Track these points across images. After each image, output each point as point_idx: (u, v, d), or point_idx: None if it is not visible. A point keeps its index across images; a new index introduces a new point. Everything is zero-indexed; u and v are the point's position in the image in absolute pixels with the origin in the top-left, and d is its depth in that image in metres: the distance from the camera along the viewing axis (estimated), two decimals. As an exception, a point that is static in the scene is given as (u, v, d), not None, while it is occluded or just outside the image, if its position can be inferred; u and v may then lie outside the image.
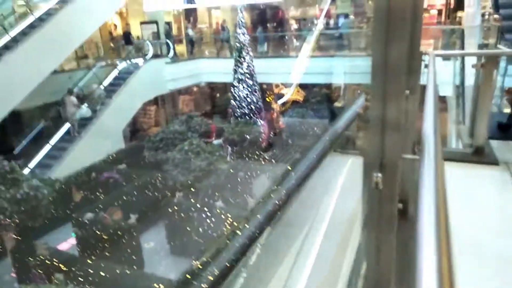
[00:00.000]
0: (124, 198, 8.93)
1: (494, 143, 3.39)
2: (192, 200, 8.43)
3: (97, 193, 9.69)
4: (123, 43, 16.48)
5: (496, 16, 5.55)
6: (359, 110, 2.13)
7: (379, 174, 1.03)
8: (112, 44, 17.61)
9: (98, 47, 16.67)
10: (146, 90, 13.72)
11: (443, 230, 0.54)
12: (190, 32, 17.55)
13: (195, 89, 18.95)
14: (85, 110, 11.76)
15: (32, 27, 11.00)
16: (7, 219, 7.40)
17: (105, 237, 7.82)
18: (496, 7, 6.27)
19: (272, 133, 12.95)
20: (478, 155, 3.16)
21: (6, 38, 10.56)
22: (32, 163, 10.57)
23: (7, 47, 10.35)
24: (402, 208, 1.47)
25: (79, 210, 8.53)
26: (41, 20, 11.28)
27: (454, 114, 6.68)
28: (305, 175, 2.12)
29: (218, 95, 19.25)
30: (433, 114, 1.20)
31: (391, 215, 1.11)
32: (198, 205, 8.08)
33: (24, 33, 10.75)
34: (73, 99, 11.67)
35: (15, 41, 10.52)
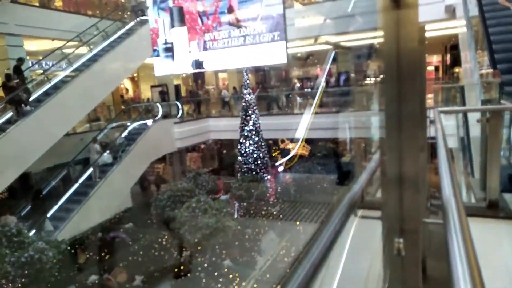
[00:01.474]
0: (130, 258, 8.70)
1: (508, 196, 3.35)
2: (199, 259, 8.19)
3: (103, 254, 9.48)
4: (133, 105, 17.16)
5: (494, 71, 5.78)
6: (374, 166, 2.16)
7: (401, 240, 1.03)
8: (123, 107, 18.30)
9: (110, 109, 17.33)
10: (154, 149, 13.98)
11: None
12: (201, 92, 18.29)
13: (202, 146, 19.26)
14: (106, 156, 12.42)
15: (47, 94, 11.55)
16: (10, 284, 7.18)
17: (109, 302, 7.51)
18: (493, 62, 6.54)
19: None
20: (493, 209, 3.11)
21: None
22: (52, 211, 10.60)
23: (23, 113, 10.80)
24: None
25: (83, 272, 8.29)
26: (56, 87, 11.89)
27: (462, 165, 6.66)
28: (318, 236, 2.09)
29: (225, 151, 19.50)
30: (449, 174, 1.22)
31: (416, 281, 1.09)
32: (205, 265, 7.82)
33: (39, 100, 11.23)
34: (97, 146, 12.42)
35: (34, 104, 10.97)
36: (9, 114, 10.74)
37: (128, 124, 14.42)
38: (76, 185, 11.51)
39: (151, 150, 13.74)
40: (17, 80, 10.74)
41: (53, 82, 12.16)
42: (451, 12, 11.46)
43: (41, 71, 13.21)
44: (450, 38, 15.16)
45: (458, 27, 10.89)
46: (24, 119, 10.39)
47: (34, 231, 9.43)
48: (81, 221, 10.32)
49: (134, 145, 13.03)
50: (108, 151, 12.60)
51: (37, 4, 14.45)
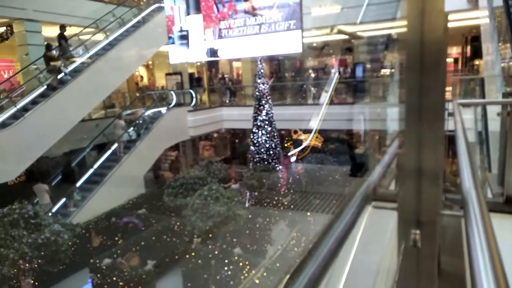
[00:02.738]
0: (142, 243, 8.87)
1: (526, 193, 3.26)
2: (210, 246, 8.29)
3: (116, 238, 9.68)
4: (148, 92, 17.27)
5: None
6: (390, 159, 2.13)
7: (418, 231, 1.01)
8: (138, 94, 18.45)
9: (124, 97, 17.50)
10: (168, 137, 14.09)
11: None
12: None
13: (215, 135, 19.34)
14: (131, 132, 13.05)
15: (63, 80, 11.71)
16: (27, 264, 7.41)
17: (121, 283, 7.68)
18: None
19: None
20: (511, 205, 3.05)
21: (41, 90, 11.24)
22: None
23: (43, 95, 11.02)
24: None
25: (97, 255, 8.49)
26: (74, 71, 12.04)
27: (479, 160, 6.52)
28: (333, 226, 2.08)
29: (237, 141, 19.54)
30: (470, 167, 1.18)
31: (431, 273, 1.07)
32: (216, 252, 7.91)
33: (54, 88, 11.40)
34: (122, 122, 12.93)
35: (50, 90, 11.19)
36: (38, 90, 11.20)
37: (143, 111, 14.55)
38: (102, 158, 11.98)
39: (164, 138, 13.86)
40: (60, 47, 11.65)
41: (70, 68, 12.32)
42: (473, 2, 11.09)
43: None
44: (471, 29, 14.72)
45: (481, 17, 10.55)
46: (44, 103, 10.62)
47: (64, 199, 10.35)
48: (96, 206, 10.54)
49: (148, 131, 13.16)
50: (132, 128, 13.14)
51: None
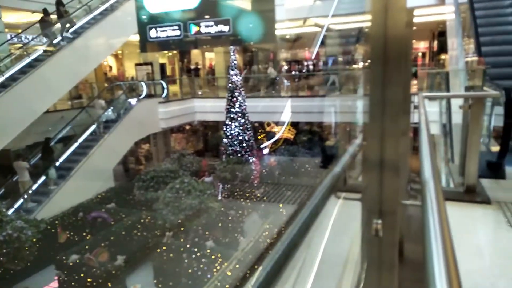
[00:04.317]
0: (112, 238, 8.65)
1: (485, 182, 3.42)
2: (181, 240, 8.21)
3: (84, 234, 9.39)
4: (117, 83, 16.75)
5: (479, 58, 5.82)
6: (356, 151, 2.15)
7: (379, 221, 1.02)
8: (106, 85, 17.85)
9: (92, 87, 16.88)
10: (138, 129, 13.75)
11: (455, 280, 0.52)
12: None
13: (187, 127, 19.08)
14: (110, 112, 13.09)
15: (26, 69, 11.13)
16: (-13, 262, 7.07)
17: (89, 280, 7.48)
18: (479, 48, 6.59)
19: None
20: (470, 194, 3.18)
21: (1, 79, 10.66)
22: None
23: (4, 85, 10.44)
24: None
25: (63, 251, 8.21)
26: (37, 61, 11.46)
27: (443, 151, 6.79)
28: (298, 216, 2.09)
29: (210, 133, 19.39)
30: (429, 158, 1.21)
31: (392, 262, 1.08)
32: (188, 245, 7.85)
33: (13, 78, 10.88)
34: (102, 102, 13.08)
35: (12, 80, 10.62)
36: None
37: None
38: (82, 138, 11.95)
39: (134, 130, 13.51)
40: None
41: (32, 56, 11.72)
42: (440, -2, 11.45)
43: (20, 45, 12.70)
44: (438, 24, 15.21)
45: (447, 13, 10.91)
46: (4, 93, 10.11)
47: (44, 177, 10.46)
48: (62, 200, 10.17)
49: (118, 123, 12.79)
50: (112, 108, 13.15)
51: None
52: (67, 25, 12.59)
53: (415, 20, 16.05)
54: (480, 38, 6.65)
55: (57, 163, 11.15)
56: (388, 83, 1.04)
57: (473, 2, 8.33)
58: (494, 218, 2.87)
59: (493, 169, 3.50)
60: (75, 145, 11.80)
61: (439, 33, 16.31)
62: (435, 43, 17.53)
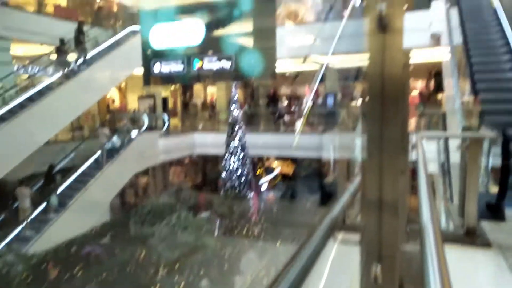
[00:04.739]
0: (105, 274, 8.37)
1: (485, 224, 3.37)
2: (176, 277, 7.94)
3: (76, 270, 9.10)
4: (119, 116, 16.96)
5: (474, 98, 5.93)
6: (355, 190, 2.13)
7: (378, 265, 0.98)
8: (108, 117, 18.05)
9: (94, 119, 17.06)
10: (138, 161, 13.73)
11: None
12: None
13: (186, 160, 19.05)
14: (115, 140, 13.22)
15: (31, 99, 11.31)
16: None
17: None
18: (474, 89, 6.72)
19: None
20: (470, 237, 3.11)
21: (4, 110, 10.77)
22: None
23: (3, 118, 10.53)
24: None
25: (54, 288, 7.91)
26: (41, 93, 11.66)
27: (442, 191, 6.73)
28: (295, 259, 2.03)
29: (209, 167, 19.33)
30: (428, 201, 1.19)
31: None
32: (182, 284, 7.58)
33: (22, 106, 11.03)
34: (106, 130, 13.25)
35: (13, 112, 10.75)
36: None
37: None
38: (81, 170, 11.94)
39: (134, 162, 13.49)
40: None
41: (38, 87, 11.94)
42: (436, 40, 11.82)
43: (27, 76, 13.00)
44: (434, 64, 15.60)
45: (443, 54, 11.23)
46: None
47: (45, 204, 10.47)
48: (56, 234, 9.95)
49: (118, 155, 12.78)
50: (116, 135, 13.32)
51: (29, 9, 14.31)
52: (82, 55, 13.07)
53: (413, 60, 16.50)
54: (475, 76, 6.81)
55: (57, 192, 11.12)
56: (386, 121, 1.04)
57: (468, 43, 8.61)
58: (495, 263, 2.79)
59: (493, 211, 3.46)
60: (74, 176, 11.73)
61: (435, 73, 16.69)
62: (432, 82, 17.90)
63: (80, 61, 12.87)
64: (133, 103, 20.11)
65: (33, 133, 10.80)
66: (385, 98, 1.04)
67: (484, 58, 7.94)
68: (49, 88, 11.91)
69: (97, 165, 12.27)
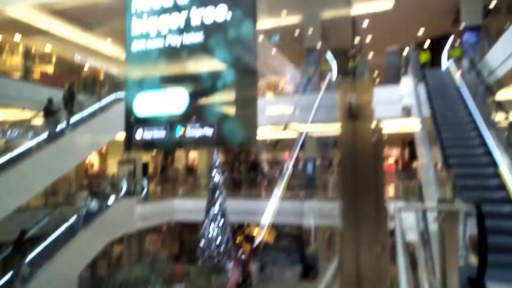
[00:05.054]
0: None
1: (469, 300, 3.31)
2: None
3: None
4: (98, 181, 16.62)
5: (447, 172, 6.17)
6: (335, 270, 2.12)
7: None
8: (85, 182, 17.64)
9: (70, 184, 16.61)
10: (112, 229, 13.15)
11: None
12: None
13: (164, 227, 18.39)
14: (94, 203, 12.81)
15: (4, 165, 11.01)
16: None
17: None
18: (446, 162, 7.03)
19: (241, 279, 12.18)
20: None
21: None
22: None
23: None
24: None
25: None
26: (18, 157, 11.42)
27: (423, 260, 6.66)
28: None
29: (187, 234, 18.67)
30: (405, 274, 1.20)
31: None
32: None
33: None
34: (84, 194, 13.11)
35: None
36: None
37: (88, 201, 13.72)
38: (57, 233, 11.42)
39: (108, 230, 12.90)
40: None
41: (16, 152, 11.71)
42: (407, 112, 12.57)
43: (4, 140, 12.78)
44: (408, 134, 16.41)
45: (414, 125, 11.86)
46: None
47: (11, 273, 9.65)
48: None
49: (91, 223, 12.24)
50: (95, 199, 12.99)
51: (14, 76, 14.60)
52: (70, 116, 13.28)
53: (388, 129, 17.35)
54: (446, 151, 7.16)
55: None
56: (360, 190, 1.07)
57: (436, 117, 9.19)
58: None
59: (475, 286, 3.43)
60: (42, 246, 11.03)
61: (409, 142, 17.48)
62: (407, 150, 18.67)
63: (64, 124, 12.99)
64: (113, 167, 19.86)
65: (2, 200, 10.36)
66: (357, 166, 1.09)
67: (454, 134, 8.44)
68: (26, 153, 11.70)
69: (70, 232, 11.65)
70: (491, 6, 14.18)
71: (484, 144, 7.81)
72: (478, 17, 13.19)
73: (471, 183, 6.73)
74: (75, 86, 14.01)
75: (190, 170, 23.47)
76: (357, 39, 19.09)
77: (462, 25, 13.49)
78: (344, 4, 15.98)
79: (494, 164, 7.18)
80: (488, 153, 7.52)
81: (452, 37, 15.18)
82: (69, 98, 13.27)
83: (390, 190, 12.26)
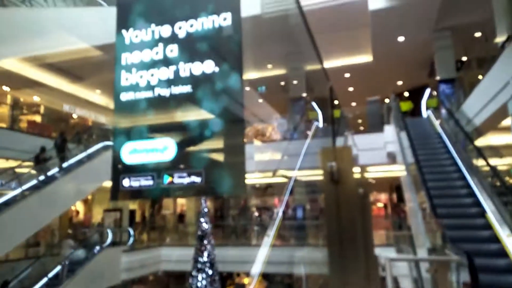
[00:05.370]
0: None
1: None
2: None
3: None
4: (82, 230, 16.14)
5: (435, 220, 6.21)
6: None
7: None
8: (70, 231, 17.08)
9: (53, 234, 16.05)
10: (96, 282, 12.55)
11: None
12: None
13: (150, 278, 17.62)
14: (80, 251, 12.46)
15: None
16: None
17: None
18: (434, 209, 7.09)
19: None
20: None
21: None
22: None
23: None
24: None
25: None
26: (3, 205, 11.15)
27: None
28: None
29: (175, 285, 17.89)
30: None
31: None
32: None
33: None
34: (70, 241, 12.60)
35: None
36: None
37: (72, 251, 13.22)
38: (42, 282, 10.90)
39: (93, 281, 12.32)
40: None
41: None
42: (392, 158, 12.84)
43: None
44: (394, 178, 16.62)
45: (399, 170, 12.07)
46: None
47: None
48: None
49: (75, 274, 11.69)
50: (82, 247, 12.69)
51: (2, 125, 14.60)
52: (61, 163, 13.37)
53: (375, 174, 17.58)
54: (433, 201, 7.25)
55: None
56: (345, 238, 1.09)
57: (420, 163, 9.40)
58: None
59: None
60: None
61: (396, 187, 17.67)
62: (394, 195, 18.80)
63: (56, 169, 13.06)
64: (98, 215, 19.38)
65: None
66: (341, 214, 1.12)
67: (440, 183, 8.57)
68: (9, 202, 11.41)
69: (53, 284, 11.06)
70: (463, 59, 15.17)
71: (472, 194, 7.86)
72: (452, 71, 14.06)
73: (462, 234, 6.74)
74: (65, 134, 14.13)
75: (180, 217, 23.05)
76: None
77: (437, 77, 14.32)
78: (325, 58, 16.83)
79: (482, 213, 7.20)
80: (477, 203, 7.55)
81: (428, 89, 16.02)
82: (61, 144, 13.48)
83: (381, 235, 12.17)
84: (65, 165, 13.48)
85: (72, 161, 14.20)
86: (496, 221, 6.72)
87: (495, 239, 6.43)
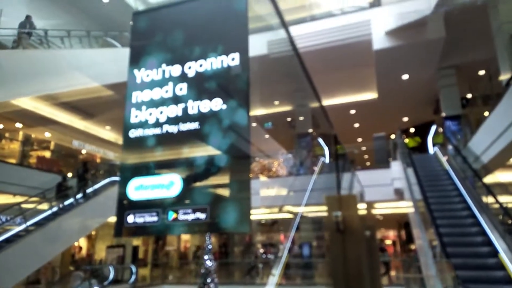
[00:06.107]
0: None
1: None
2: None
3: None
4: (83, 267, 15.81)
5: (447, 262, 6.02)
6: None
7: None
8: (72, 268, 16.74)
9: (54, 271, 15.74)
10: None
11: None
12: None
13: (151, 319, 16.98)
14: (94, 282, 11.81)
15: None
16: None
17: None
18: (444, 250, 6.87)
19: None
20: None
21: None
22: None
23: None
24: None
25: None
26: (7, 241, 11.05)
27: None
28: None
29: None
30: None
31: None
32: None
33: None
34: (80, 273, 11.90)
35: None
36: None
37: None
38: None
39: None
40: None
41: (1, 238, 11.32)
42: (400, 195, 12.66)
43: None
44: (402, 215, 16.31)
45: (407, 207, 11.87)
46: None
47: None
48: None
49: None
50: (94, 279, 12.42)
51: (11, 161, 14.77)
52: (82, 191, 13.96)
53: (382, 211, 17.29)
54: (443, 238, 7.07)
55: None
56: (352, 281, 1.08)
57: (427, 199, 9.25)
58: None
59: None
60: None
61: (405, 224, 17.27)
62: (403, 232, 18.34)
63: (80, 195, 13.74)
64: (101, 252, 19.07)
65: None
66: (347, 255, 1.11)
67: (450, 221, 8.33)
68: (12, 238, 11.31)
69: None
70: (468, 96, 15.31)
71: (483, 232, 7.63)
72: (457, 107, 14.12)
73: (474, 275, 6.50)
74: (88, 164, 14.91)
75: (184, 254, 22.61)
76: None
77: (443, 114, 14.40)
78: (331, 95, 17.15)
79: (494, 253, 6.96)
80: (489, 242, 7.31)
81: (434, 126, 16.07)
82: (83, 173, 14.23)
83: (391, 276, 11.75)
84: (88, 190, 14.18)
85: (78, 196, 14.21)
86: (509, 261, 6.50)
87: (510, 280, 6.20)
